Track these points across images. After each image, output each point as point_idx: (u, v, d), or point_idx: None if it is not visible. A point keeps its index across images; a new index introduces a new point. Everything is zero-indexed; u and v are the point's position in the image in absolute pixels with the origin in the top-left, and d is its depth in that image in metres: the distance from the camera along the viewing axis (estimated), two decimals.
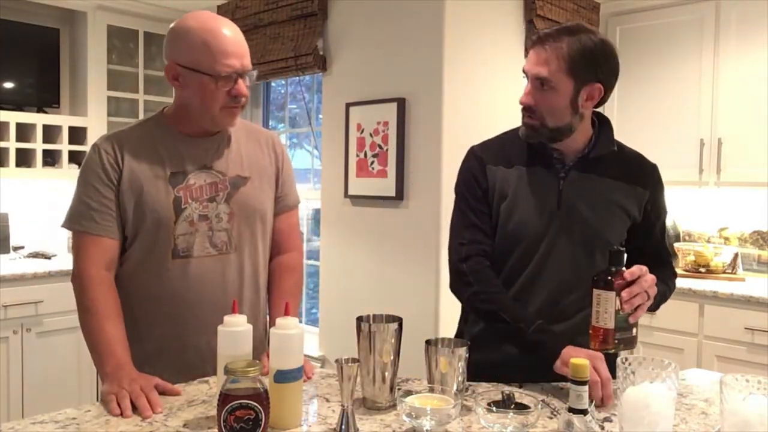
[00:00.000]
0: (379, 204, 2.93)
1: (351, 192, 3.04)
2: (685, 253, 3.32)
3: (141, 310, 1.50)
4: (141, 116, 3.64)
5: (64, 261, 3.33)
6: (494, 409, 1.10)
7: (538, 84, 1.40)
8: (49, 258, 3.41)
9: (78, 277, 1.44)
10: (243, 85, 1.45)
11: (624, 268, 1.27)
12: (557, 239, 1.46)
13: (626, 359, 1.06)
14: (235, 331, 1.22)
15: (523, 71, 1.45)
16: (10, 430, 1.12)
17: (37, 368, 3.07)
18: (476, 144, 1.59)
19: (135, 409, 1.21)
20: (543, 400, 1.27)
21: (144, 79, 3.74)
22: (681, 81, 3.32)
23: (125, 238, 1.49)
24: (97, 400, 1.32)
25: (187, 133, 1.52)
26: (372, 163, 2.94)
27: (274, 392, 1.10)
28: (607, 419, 1.20)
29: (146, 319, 1.50)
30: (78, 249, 1.46)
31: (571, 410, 1.06)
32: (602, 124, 1.51)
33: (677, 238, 3.45)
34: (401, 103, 2.81)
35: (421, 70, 2.76)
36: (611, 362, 1.46)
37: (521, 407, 1.13)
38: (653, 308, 1.45)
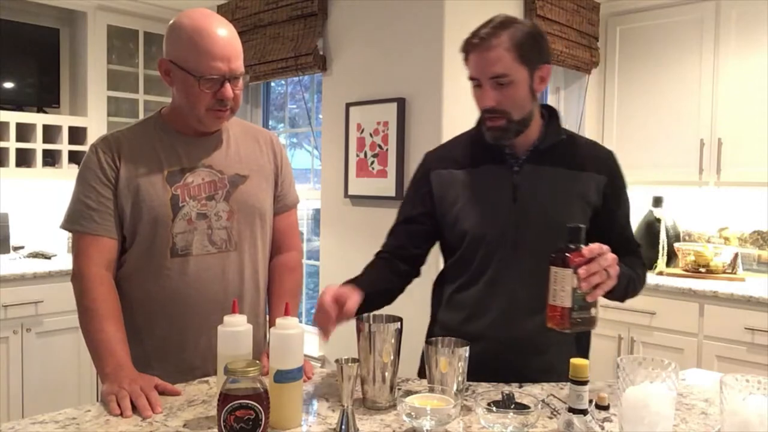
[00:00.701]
0: (379, 204, 2.93)
1: (351, 192, 3.04)
2: (685, 253, 3.32)
3: (141, 310, 1.50)
4: (141, 116, 3.64)
5: (64, 261, 3.33)
6: (494, 409, 1.10)
7: (495, 83, 1.38)
8: (49, 258, 3.41)
9: (78, 277, 1.44)
10: (229, 89, 1.43)
11: (583, 246, 1.21)
12: (517, 232, 1.44)
13: (623, 359, 1.06)
14: (235, 331, 1.22)
15: (472, 78, 1.42)
16: (10, 430, 1.12)
17: (37, 368, 3.07)
18: (432, 149, 1.62)
19: (135, 409, 1.21)
20: (543, 400, 1.27)
21: (144, 79, 3.74)
22: (681, 81, 3.32)
23: (124, 238, 1.49)
24: (97, 400, 1.32)
25: (185, 132, 1.52)
26: (372, 163, 2.94)
27: (274, 392, 1.10)
28: (607, 419, 1.20)
29: (146, 318, 1.50)
30: (77, 249, 1.47)
31: (571, 410, 1.06)
32: (551, 116, 1.52)
33: (677, 238, 3.45)
34: (401, 103, 2.81)
35: (421, 70, 2.76)
36: (573, 341, 1.51)
37: (521, 407, 1.13)
38: (620, 296, 1.43)
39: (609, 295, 1.33)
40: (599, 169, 1.49)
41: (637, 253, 1.55)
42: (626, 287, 1.42)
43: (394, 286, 1.54)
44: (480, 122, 1.48)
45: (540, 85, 1.43)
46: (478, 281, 1.48)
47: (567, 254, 1.20)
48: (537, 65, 1.40)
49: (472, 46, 1.39)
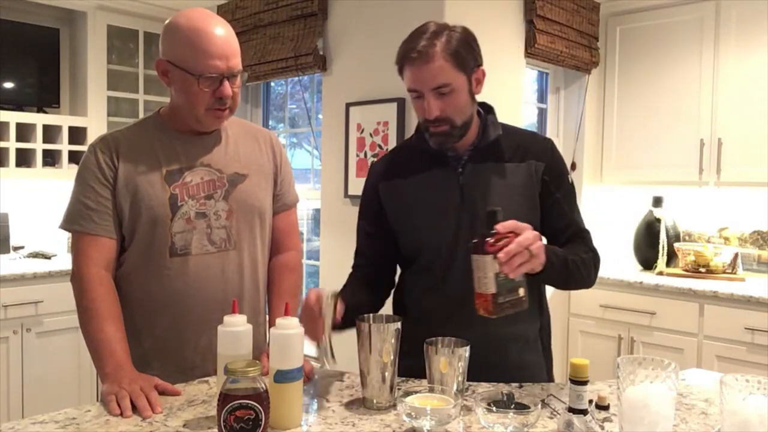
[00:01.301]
0: None
1: (351, 192, 3.04)
2: (685, 253, 3.32)
3: (140, 310, 1.50)
4: (141, 116, 3.63)
5: (64, 261, 3.33)
6: (494, 409, 1.10)
7: (437, 93, 1.39)
8: (49, 258, 3.41)
9: (77, 277, 1.44)
10: (228, 87, 1.43)
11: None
12: (469, 232, 1.42)
13: (623, 359, 1.06)
14: (235, 330, 1.22)
15: (412, 90, 1.42)
16: (10, 430, 1.12)
17: (37, 368, 3.07)
18: (376, 160, 1.63)
19: (135, 409, 1.21)
20: (543, 400, 1.27)
21: (144, 79, 3.74)
22: (681, 81, 3.32)
23: (122, 238, 1.48)
24: (97, 400, 1.32)
25: (183, 132, 1.52)
26: (372, 163, 2.94)
27: (274, 392, 1.10)
28: (607, 419, 1.20)
29: (146, 318, 1.50)
30: (77, 249, 1.46)
31: (571, 410, 1.06)
32: (487, 113, 1.54)
33: (677, 238, 3.45)
34: (401, 103, 2.81)
35: None
36: (537, 336, 1.53)
37: (521, 407, 1.13)
38: (561, 281, 1.41)
39: (547, 279, 1.31)
40: (538, 157, 1.50)
41: (585, 238, 1.51)
42: (565, 270, 1.37)
43: (376, 297, 1.55)
44: (419, 130, 1.50)
45: (477, 87, 1.46)
46: (438, 286, 1.48)
47: (486, 239, 1.18)
48: (473, 69, 1.43)
49: (410, 60, 1.39)
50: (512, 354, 1.50)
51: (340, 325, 1.34)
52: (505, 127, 1.53)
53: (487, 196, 1.45)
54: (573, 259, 1.40)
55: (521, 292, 1.21)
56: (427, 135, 1.46)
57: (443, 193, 1.48)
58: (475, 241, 1.20)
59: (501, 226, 1.19)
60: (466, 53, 1.40)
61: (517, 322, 1.40)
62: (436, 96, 1.39)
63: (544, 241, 1.33)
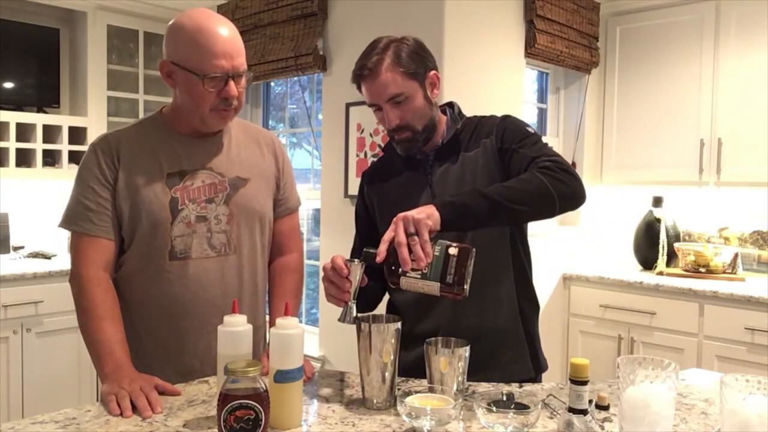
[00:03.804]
0: None
1: (351, 192, 3.03)
2: (685, 253, 3.32)
3: (140, 313, 1.49)
4: (141, 116, 3.64)
5: (64, 261, 3.33)
6: (494, 409, 1.10)
7: (392, 103, 1.45)
8: (49, 258, 3.41)
9: (75, 278, 1.44)
10: (233, 87, 1.42)
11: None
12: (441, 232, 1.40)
13: (623, 359, 1.05)
14: (235, 331, 1.22)
15: (372, 104, 1.48)
16: (10, 430, 1.12)
17: (37, 368, 3.07)
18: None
19: (135, 409, 1.21)
20: (543, 400, 1.27)
21: (144, 79, 3.74)
22: (681, 81, 3.32)
23: (122, 240, 1.48)
24: (97, 400, 1.32)
25: (185, 134, 1.51)
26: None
27: (274, 392, 1.10)
28: (607, 419, 1.20)
29: (145, 321, 1.49)
30: (75, 250, 1.46)
31: (571, 410, 1.06)
32: (451, 111, 1.59)
33: (677, 238, 3.45)
34: None
35: None
36: (519, 327, 1.52)
37: (521, 407, 1.13)
38: (495, 211, 1.27)
39: (464, 221, 1.27)
40: (488, 133, 1.51)
41: (535, 163, 1.37)
42: (480, 197, 1.27)
43: (376, 290, 1.56)
44: (391, 144, 1.56)
45: (434, 90, 1.51)
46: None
47: (391, 268, 1.21)
48: (425, 75, 1.48)
49: (362, 77, 1.46)
50: (488, 345, 1.47)
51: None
52: (467, 119, 1.58)
53: (452, 188, 1.48)
54: (498, 185, 1.32)
55: (452, 250, 1.20)
56: (394, 143, 1.53)
57: (417, 196, 1.52)
58: (389, 282, 1.24)
59: (379, 256, 1.21)
60: (414, 61, 1.45)
61: (487, 311, 1.45)
62: (392, 106, 1.45)
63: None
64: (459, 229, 1.31)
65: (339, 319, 1.29)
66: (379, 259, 1.21)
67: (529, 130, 1.50)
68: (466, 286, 1.20)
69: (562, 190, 1.31)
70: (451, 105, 1.61)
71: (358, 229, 1.67)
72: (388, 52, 1.44)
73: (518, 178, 1.34)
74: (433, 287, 1.21)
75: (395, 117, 1.46)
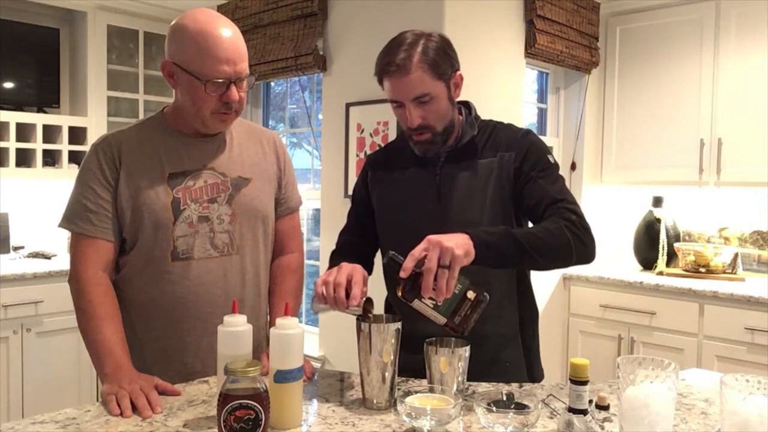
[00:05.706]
0: None
1: (351, 192, 3.02)
2: (685, 253, 3.32)
3: (141, 314, 1.49)
4: (141, 116, 3.64)
5: (64, 261, 3.33)
6: (494, 409, 1.10)
7: (417, 103, 1.41)
8: (49, 258, 3.41)
9: (75, 278, 1.43)
10: (235, 91, 1.42)
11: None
12: (442, 233, 1.37)
13: (623, 359, 1.05)
14: (235, 331, 1.22)
15: (395, 101, 1.44)
16: (10, 430, 1.12)
17: (37, 368, 3.07)
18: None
19: (135, 409, 1.21)
20: (543, 400, 1.27)
21: (144, 79, 3.74)
22: (681, 81, 3.32)
23: (123, 241, 1.47)
24: (97, 400, 1.32)
25: (187, 134, 1.51)
26: None
27: (274, 392, 1.10)
28: (607, 419, 1.20)
29: (147, 322, 1.49)
30: (75, 250, 1.45)
31: (571, 410, 1.06)
32: (468, 111, 1.56)
33: (677, 238, 3.45)
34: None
35: None
36: (516, 332, 1.53)
37: (521, 407, 1.13)
38: (520, 258, 1.28)
39: (492, 262, 1.25)
40: (508, 147, 1.49)
41: (559, 207, 1.39)
42: (514, 244, 1.27)
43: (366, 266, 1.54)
44: (404, 135, 1.53)
45: (456, 91, 1.47)
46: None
47: (401, 289, 1.19)
48: (450, 75, 1.44)
49: (389, 73, 1.41)
50: (487, 351, 1.47)
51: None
52: (483, 123, 1.55)
53: (458, 197, 1.48)
54: (528, 232, 1.33)
55: (470, 294, 1.20)
56: (412, 143, 1.49)
57: (422, 193, 1.51)
58: (399, 294, 1.21)
59: (403, 271, 1.17)
60: (443, 61, 1.41)
61: (490, 319, 1.39)
62: (416, 105, 1.41)
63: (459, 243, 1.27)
64: (482, 265, 1.25)
65: (311, 309, 1.30)
66: (403, 275, 1.17)
67: (550, 159, 1.49)
68: (470, 326, 1.20)
69: (581, 252, 1.36)
70: (467, 105, 1.57)
71: (355, 210, 1.66)
72: (417, 48, 1.39)
73: (547, 230, 1.33)
74: (439, 319, 1.21)
75: (418, 116, 1.42)
